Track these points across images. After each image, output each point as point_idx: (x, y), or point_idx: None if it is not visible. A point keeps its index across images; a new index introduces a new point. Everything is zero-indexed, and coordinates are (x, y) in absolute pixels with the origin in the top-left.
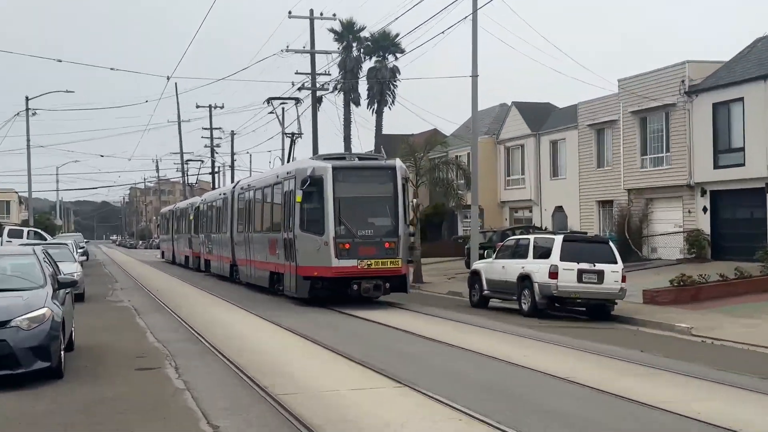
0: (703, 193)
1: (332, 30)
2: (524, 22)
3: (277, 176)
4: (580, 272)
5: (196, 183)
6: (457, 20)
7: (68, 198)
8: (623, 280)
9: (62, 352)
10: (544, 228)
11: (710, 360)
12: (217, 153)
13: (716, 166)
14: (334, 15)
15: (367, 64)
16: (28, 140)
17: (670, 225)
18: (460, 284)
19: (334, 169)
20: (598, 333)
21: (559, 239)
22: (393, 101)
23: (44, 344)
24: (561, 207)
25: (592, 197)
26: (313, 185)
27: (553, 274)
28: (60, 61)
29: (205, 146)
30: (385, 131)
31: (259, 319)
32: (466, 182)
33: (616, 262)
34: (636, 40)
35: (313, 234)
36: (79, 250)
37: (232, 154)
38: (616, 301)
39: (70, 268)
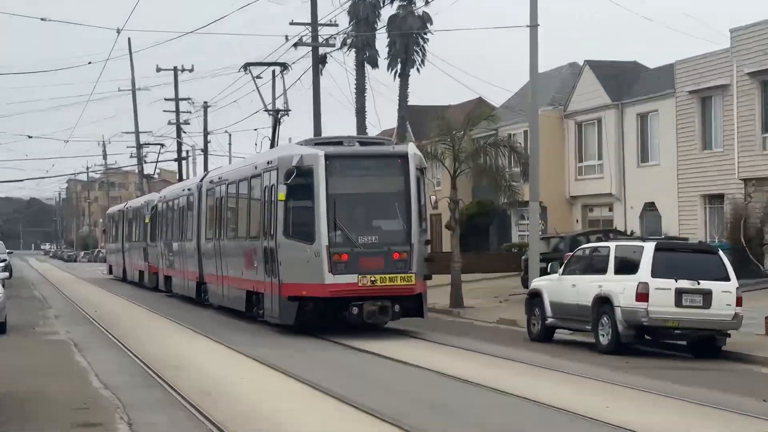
0: None
1: None
2: None
3: (256, 167)
4: (679, 293)
5: (157, 173)
6: None
7: None
8: (738, 303)
9: None
10: (629, 233)
11: None
12: (185, 132)
13: None
14: None
15: (387, 11)
16: None
17: None
18: (515, 309)
19: (327, 157)
20: (708, 377)
21: (649, 248)
22: (422, 61)
23: None
24: (652, 204)
25: (695, 190)
26: (300, 179)
27: (642, 295)
28: None
29: (170, 123)
30: (412, 102)
31: (236, 355)
32: (522, 171)
33: (728, 279)
34: None
35: (301, 242)
36: None
37: (206, 133)
38: (728, 331)
39: None
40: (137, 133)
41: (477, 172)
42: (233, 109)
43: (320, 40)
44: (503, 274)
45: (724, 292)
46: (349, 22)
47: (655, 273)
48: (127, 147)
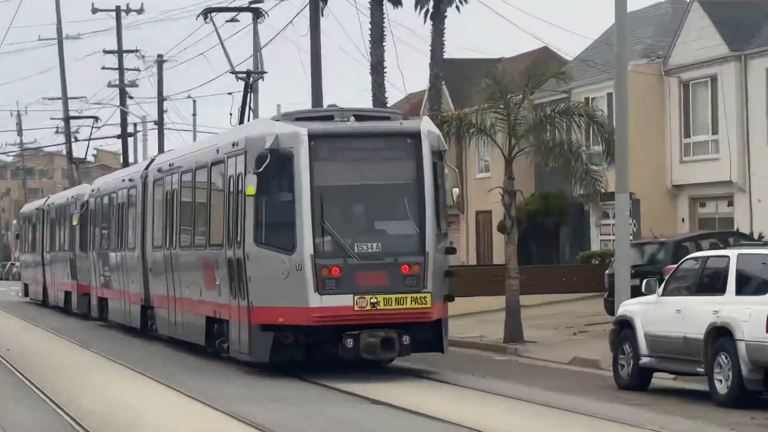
0: None
1: None
2: None
3: (217, 150)
4: None
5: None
6: None
7: None
8: None
9: None
10: (757, 236)
11: None
12: (131, 98)
13: None
14: None
15: None
16: None
17: None
18: (596, 344)
19: (312, 136)
20: None
21: None
22: None
23: None
24: None
25: None
26: (276, 166)
27: None
28: None
29: (111, 85)
30: (449, 54)
31: (198, 408)
32: (605, 150)
33: None
34: None
35: (278, 250)
36: None
37: (161, 99)
38: None
39: None
40: (65, 99)
41: (542, 151)
42: (199, 66)
43: None
44: (579, 295)
45: None
46: None
47: None
48: (52, 119)
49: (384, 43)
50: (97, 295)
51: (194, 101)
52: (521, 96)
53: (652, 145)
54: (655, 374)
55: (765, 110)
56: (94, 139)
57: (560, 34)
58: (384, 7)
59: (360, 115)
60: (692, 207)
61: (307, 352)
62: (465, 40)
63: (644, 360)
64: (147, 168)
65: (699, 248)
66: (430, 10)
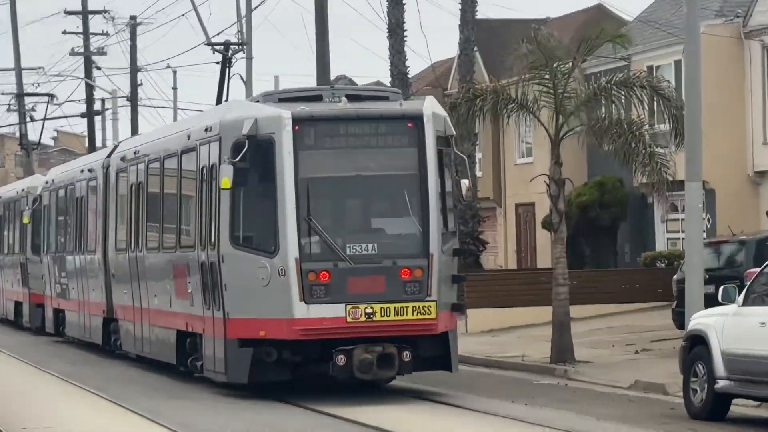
0: None
1: None
2: None
3: (189, 136)
4: None
5: (51, 138)
6: None
7: None
8: None
9: None
10: None
11: None
12: (99, 69)
13: None
14: None
15: None
16: None
17: None
18: (663, 365)
19: (297, 120)
20: None
21: None
22: None
23: None
24: None
25: None
26: (255, 155)
27: None
28: None
29: (74, 53)
30: (482, 13)
31: None
32: (673, 129)
33: None
34: None
35: (257, 253)
36: None
37: (134, 69)
38: None
39: None
40: (18, 71)
41: (595, 131)
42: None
43: None
44: (641, 305)
45: None
46: None
47: None
48: (2, 94)
49: (404, 1)
50: (53, 306)
51: (174, 72)
52: (570, 64)
53: (729, 124)
54: (735, 401)
55: None
56: (50, 119)
57: None
58: None
59: (354, 95)
60: None
61: (293, 371)
62: None
63: (721, 384)
64: (109, 156)
65: None
66: None
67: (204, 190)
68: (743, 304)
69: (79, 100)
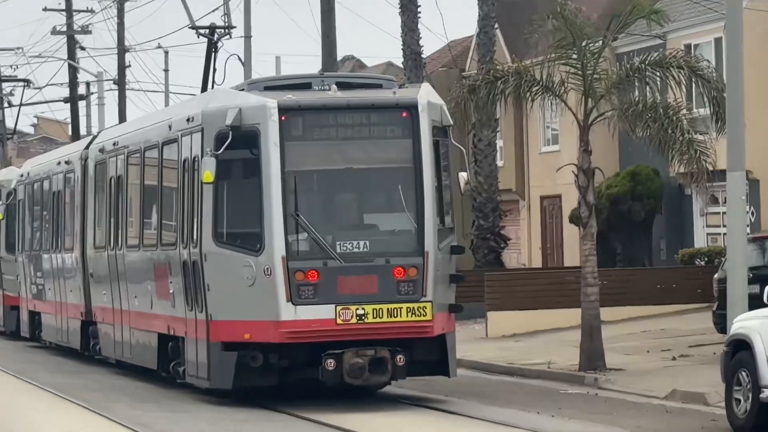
0: None
1: None
2: None
3: (170, 126)
4: None
5: (32, 126)
6: None
7: None
8: None
9: None
10: None
11: None
12: (83, 49)
13: None
14: None
15: None
16: None
17: None
18: (702, 372)
19: (283, 110)
20: None
21: None
22: None
23: None
24: None
25: None
26: (239, 147)
27: None
28: None
29: (56, 32)
30: None
31: None
32: (713, 114)
33: None
34: None
35: (242, 251)
36: None
37: (122, 50)
38: None
39: None
40: None
41: (628, 116)
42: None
43: None
44: (679, 307)
45: None
46: None
47: None
48: None
49: None
50: (29, 309)
51: (166, 53)
52: (601, 43)
53: None
54: None
55: None
56: (28, 104)
57: None
58: None
59: (345, 83)
60: None
61: (280, 376)
62: None
63: (767, 393)
64: (87, 147)
65: None
66: None
67: (186, 184)
68: None
69: (62, 84)
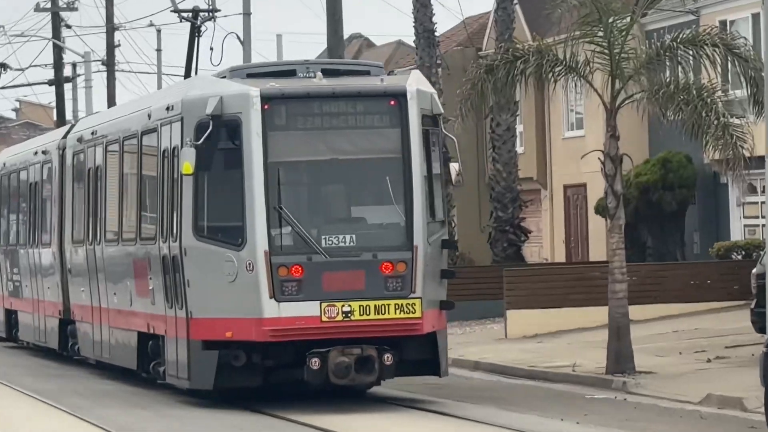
0: None
1: None
2: None
3: (149, 115)
4: None
5: (13, 111)
6: None
7: None
8: None
9: None
10: None
11: None
12: (68, 27)
13: None
14: None
15: None
16: None
17: None
18: (740, 376)
19: (266, 98)
20: None
21: None
22: None
23: None
24: None
25: None
26: (220, 136)
27: None
28: None
29: (39, 9)
30: None
31: None
32: (751, 96)
33: None
34: None
35: (223, 245)
36: None
37: (111, 28)
38: None
39: None
40: None
41: (659, 98)
42: None
43: None
44: (714, 304)
45: None
46: None
47: None
48: None
49: None
50: (5, 307)
51: (158, 31)
52: (629, 19)
53: None
54: None
55: None
56: (9, 87)
57: None
58: None
59: (331, 70)
60: None
61: (264, 376)
62: None
63: None
64: (65, 137)
65: None
66: None
67: (165, 175)
68: None
69: (46, 65)
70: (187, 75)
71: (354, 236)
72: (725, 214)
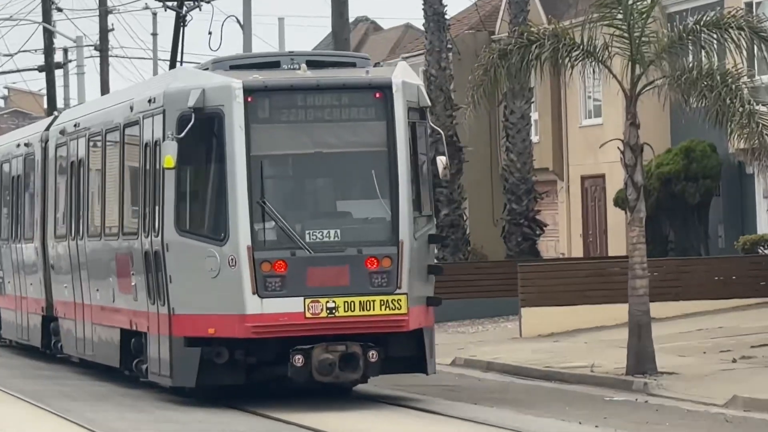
0: None
1: None
2: None
3: (131, 107)
4: None
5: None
6: None
7: None
8: None
9: None
10: None
11: None
12: (59, 11)
13: None
14: None
15: None
16: None
17: None
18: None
19: (249, 90)
20: None
21: None
22: None
23: None
24: None
25: None
26: (202, 129)
27: None
28: None
29: None
30: None
31: None
32: None
33: None
34: None
35: (205, 240)
36: None
37: (104, 11)
38: None
39: None
40: None
41: (681, 84)
42: None
43: None
44: (739, 301)
45: None
46: None
47: None
48: None
49: None
50: None
51: (154, 14)
52: (650, 0)
53: None
54: None
55: None
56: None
57: None
58: None
59: (316, 61)
60: None
61: (247, 374)
62: None
63: None
64: (48, 129)
65: None
66: None
67: (147, 169)
68: None
69: (36, 50)
70: (173, 65)
71: (338, 231)
72: (751, 206)
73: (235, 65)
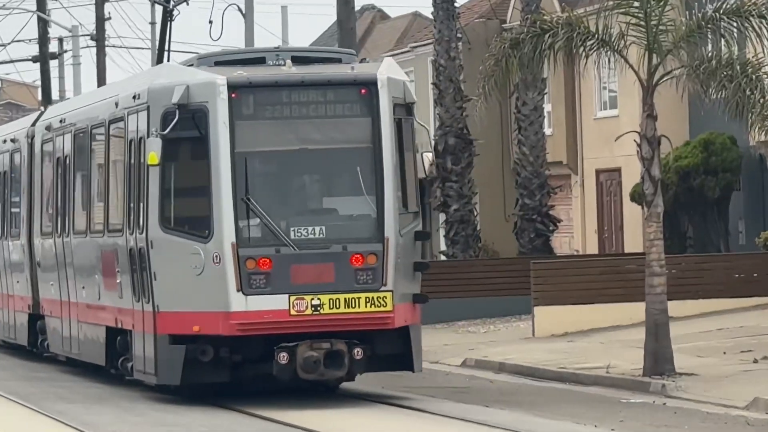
0: None
1: None
2: None
3: (117, 103)
4: None
5: None
6: None
7: None
8: None
9: None
10: None
11: None
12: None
13: None
14: None
15: None
16: None
17: None
18: None
19: (233, 87)
20: None
21: None
22: None
23: None
24: None
25: None
26: (186, 126)
27: None
28: None
29: None
30: None
31: None
32: None
33: None
34: None
35: (189, 237)
36: None
37: (101, 0)
38: None
39: None
40: None
41: (700, 75)
42: None
43: None
44: (761, 300)
45: None
46: None
47: None
48: None
49: None
50: None
51: (153, 3)
52: None
53: None
54: None
55: None
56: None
57: None
58: None
59: (301, 57)
60: None
61: (232, 372)
62: None
63: None
64: (34, 124)
65: None
66: None
67: (132, 166)
68: None
69: (30, 40)
70: (159, 60)
71: (323, 228)
72: None
73: (220, 61)
